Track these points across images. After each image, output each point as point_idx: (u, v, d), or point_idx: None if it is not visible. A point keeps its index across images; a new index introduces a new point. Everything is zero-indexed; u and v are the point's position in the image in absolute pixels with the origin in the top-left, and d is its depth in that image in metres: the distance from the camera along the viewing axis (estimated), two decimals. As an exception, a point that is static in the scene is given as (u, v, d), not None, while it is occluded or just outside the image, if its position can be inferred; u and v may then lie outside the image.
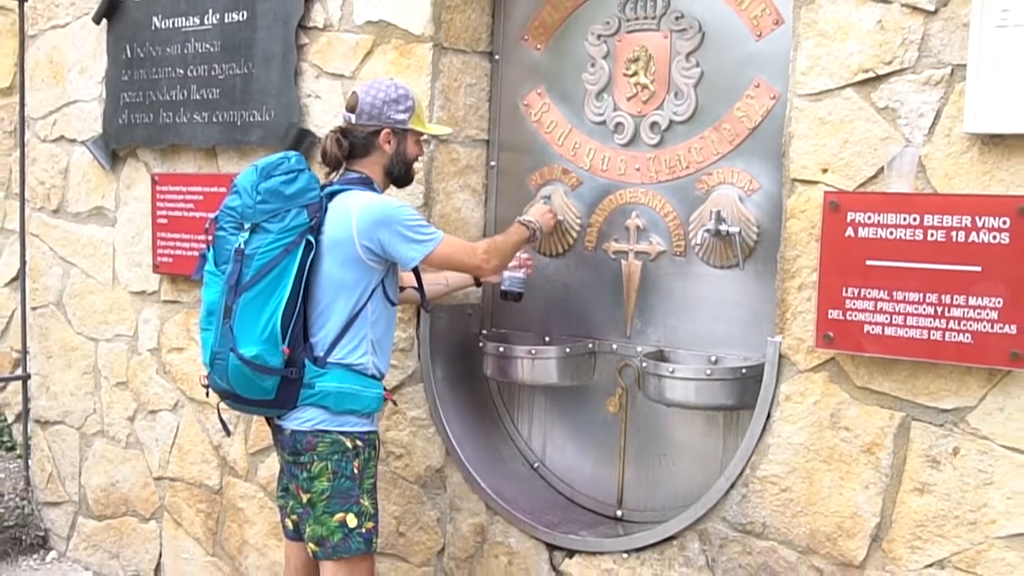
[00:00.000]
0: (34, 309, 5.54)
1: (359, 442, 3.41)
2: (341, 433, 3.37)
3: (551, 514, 3.93)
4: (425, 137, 3.71)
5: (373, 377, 3.46)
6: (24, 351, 5.61)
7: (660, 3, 3.75)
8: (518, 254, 3.76)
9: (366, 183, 3.46)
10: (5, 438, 6.04)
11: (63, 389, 5.42)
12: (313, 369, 3.35)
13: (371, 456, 3.48)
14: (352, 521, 3.37)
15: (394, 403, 3.92)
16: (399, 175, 3.57)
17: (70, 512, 5.45)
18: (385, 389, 3.52)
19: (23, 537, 5.51)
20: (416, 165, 3.65)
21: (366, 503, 3.43)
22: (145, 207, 4.95)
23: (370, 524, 3.43)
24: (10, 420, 6.14)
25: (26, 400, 5.62)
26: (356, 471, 3.39)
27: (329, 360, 3.37)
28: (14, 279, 5.90)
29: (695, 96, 3.69)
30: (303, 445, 3.36)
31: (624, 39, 3.85)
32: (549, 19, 4.04)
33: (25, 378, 5.60)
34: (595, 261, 3.97)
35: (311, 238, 3.31)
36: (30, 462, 5.62)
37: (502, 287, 3.78)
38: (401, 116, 3.47)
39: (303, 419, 3.36)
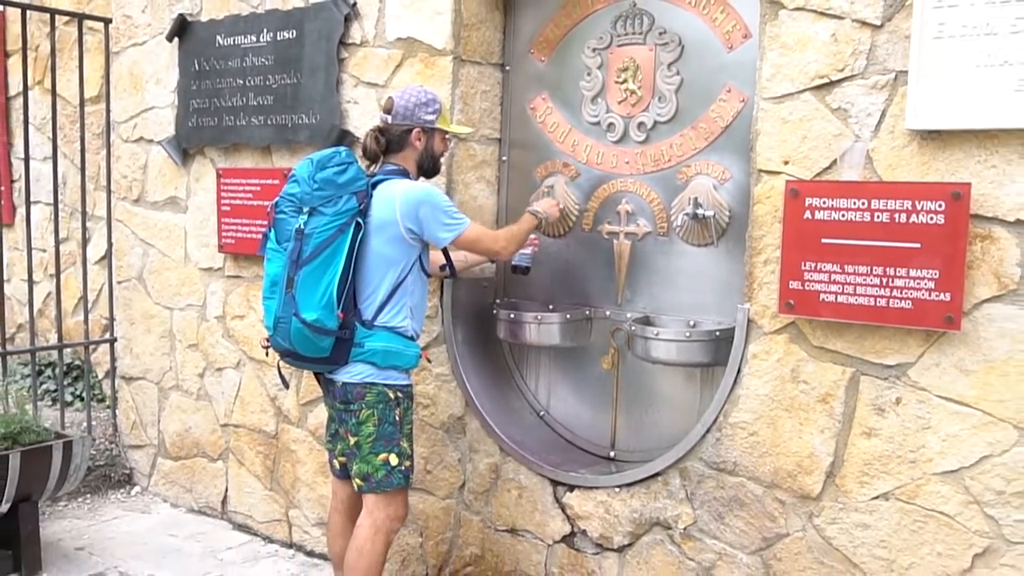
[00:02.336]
0: (119, 283, 5.54)
1: (400, 393, 3.44)
2: (386, 385, 3.40)
3: (554, 455, 3.92)
4: (448, 135, 3.68)
5: (411, 338, 3.47)
6: (111, 318, 5.62)
7: (646, 21, 3.71)
8: (534, 238, 3.79)
9: (403, 174, 3.47)
10: (96, 392, 6.05)
11: (144, 350, 5.43)
12: (362, 331, 3.36)
13: (409, 406, 3.51)
14: (394, 460, 3.41)
15: (428, 360, 3.92)
16: (428, 167, 3.56)
17: (151, 454, 5.46)
18: (421, 348, 3.54)
19: (111, 475, 5.53)
20: (441, 159, 3.64)
21: (405, 445, 3.47)
22: (211, 197, 4.94)
23: (408, 463, 3.48)
24: (100, 377, 6.15)
25: (113, 360, 5.63)
26: (397, 418, 3.43)
27: (376, 323, 3.38)
28: (102, 258, 5.90)
29: (676, 100, 3.66)
30: (353, 395, 3.39)
31: (615, 52, 3.81)
32: (551, 35, 4.00)
33: (112, 341, 5.60)
34: (591, 241, 3.95)
35: (360, 220, 3.32)
36: (117, 412, 5.63)
37: (512, 262, 3.77)
38: (430, 117, 3.47)
39: (353, 373, 3.38)
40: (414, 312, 3.47)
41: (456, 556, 4.12)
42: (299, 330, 3.27)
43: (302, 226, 3.31)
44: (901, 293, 2.88)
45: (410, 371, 3.51)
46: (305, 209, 3.32)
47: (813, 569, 3.16)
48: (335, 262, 3.28)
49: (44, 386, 6.11)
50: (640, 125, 3.76)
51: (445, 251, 3.59)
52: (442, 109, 3.52)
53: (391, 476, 3.41)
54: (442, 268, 3.66)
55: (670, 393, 3.77)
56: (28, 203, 5.31)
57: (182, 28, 4.95)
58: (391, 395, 3.41)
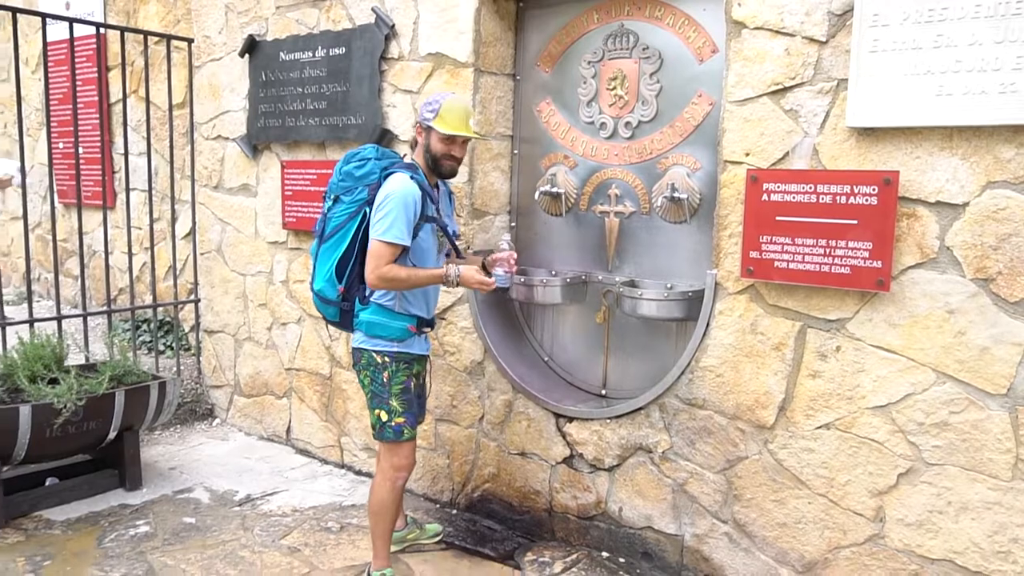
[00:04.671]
0: (202, 254, 5.55)
1: (387, 359, 3.25)
2: (374, 351, 3.25)
3: (557, 392, 3.93)
4: (463, 139, 3.23)
5: (399, 314, 3.24)
6: (196, 283, 5.63)
7: (632, 38, 3.68)
8: (510, 258, 3.28)
9: (408, 167, 3.20)
10: (184, 343, 6.07)
11: (222, 309, 5.44)
12: (359, 305, 3.29)
13: (398, 369, 3.26)
14: (384, 416, 3.28)
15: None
16: (430, 164, 3.23)
17: (228, 392, 5.49)
18: (415, 324, 3.28)
19: (197, 409, 5.56)
20: (457, 165, 3.25)
21: (395, 404, 3.27)
22: (277, 184, 4.93)
23: (399, 419, 3.27)
24: (187, 330, 6.17)
25: (197, 316, 5.64)
26: (385, 380, 3.26)
27: (371, 300, 3.26)
28: (188, 234, 5.90)
29: (656, 104, 3.63)
30: (354, 358, 3.34)
31: (607, 64, 3.78)
32: (554, 50, 3.97)
33: (196, 301, 5.62)
34: (586, 219, 3.94)
35: (367, 210, 3.19)
36: (201, 359, 5.65)
37: (496, 284, 3.23)
38: (427, 115, 3.18)
39: (354, 339, 3.34)
40: (404, 294, 3.25)
41: (476, 474, 4.14)
42: (314, 296, 3.33)
43: (326, 211, 3.29)
44: (841, 261, 2.88)
45: (403, 340, 3.26)
46: (331, 196, 3.28)
47: (767, 485, 3.18)
48: (342, 244, 3.21)
49: (141, 338, 6.12)
50: (627, 124, 3.73)
51: (451, 239, 3.32)
52: (440, 110, 3.15)
53: (383, 430, 3.28)
54: (448, 255, 3.44)
55: (651, 342, 3.77)
56: (127, 190, 5.30)
57: (252, 46, 4.93)
58: (378, 359, 3.25)
